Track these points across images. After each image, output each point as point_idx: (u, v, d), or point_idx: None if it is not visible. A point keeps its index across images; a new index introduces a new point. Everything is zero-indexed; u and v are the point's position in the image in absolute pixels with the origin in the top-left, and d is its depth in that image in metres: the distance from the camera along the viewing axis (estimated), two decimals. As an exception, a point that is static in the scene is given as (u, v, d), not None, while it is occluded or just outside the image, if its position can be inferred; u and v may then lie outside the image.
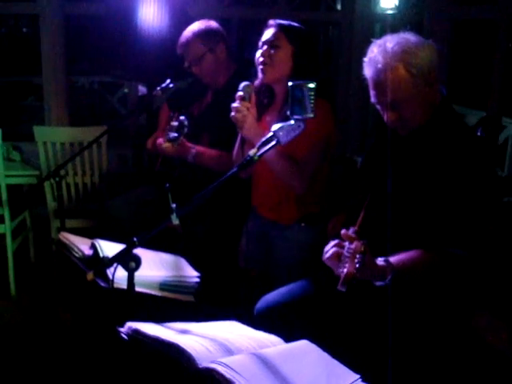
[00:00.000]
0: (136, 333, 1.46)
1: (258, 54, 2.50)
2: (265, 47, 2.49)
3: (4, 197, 3.88)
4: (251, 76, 2.75)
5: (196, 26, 3.06)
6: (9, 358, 3.19)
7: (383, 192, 2.07)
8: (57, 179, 3.00)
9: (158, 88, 2.92)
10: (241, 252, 2.74)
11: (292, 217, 2.56)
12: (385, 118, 2.02)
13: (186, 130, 2.73)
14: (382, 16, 5.21)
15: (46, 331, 3.49)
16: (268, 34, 2.50)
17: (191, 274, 2.26)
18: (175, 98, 3.23)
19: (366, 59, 1.97)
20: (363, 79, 2.03)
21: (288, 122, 1.82)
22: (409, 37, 1.92)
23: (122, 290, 1.84)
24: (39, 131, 4.00)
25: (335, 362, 1.51)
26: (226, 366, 1.27)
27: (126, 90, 6.48)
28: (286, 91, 2.28)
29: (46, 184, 4.07)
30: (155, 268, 2.20)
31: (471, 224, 1.86)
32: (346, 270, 1.68)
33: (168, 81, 2.94)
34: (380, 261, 1.79)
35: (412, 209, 1.96)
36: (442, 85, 2.03)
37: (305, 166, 2.40)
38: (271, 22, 2.52)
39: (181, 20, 3.52)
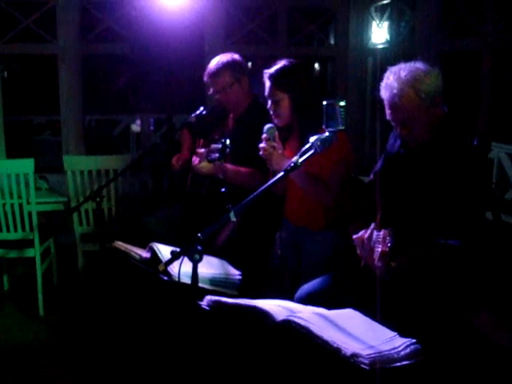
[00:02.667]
0: (216, 303, 1.79)
1: (268, 106, 2.95)
2: (269, 102, 2.94)
3: (34, 222, 4.18)
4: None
5: (225, 58, 3.37)
6: (40, 372, 3.46)
7: (396, 195, 2.44)
8: (97, 199, 3.30)
9: (193, 115, 3.25)
10: (274, 257, 3.09)
11: (320, 224, 2.93)
12: (398, 132, 2.41)
13: (227, 151, 3.06)
14: (374, 50, 5.64)
15: (73, 347, 3.75)
16: (267, 87, 2.93)
17: (234, 273, 2.59)
18: (196, 125, 3.57)
19: (382, 84, 2.37)
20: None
21: (323, 134, 2.19)
22: (419, 66, 2.32)
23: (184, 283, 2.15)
24: (68, 160, 4.33)
25: (376, 323, 1.85)
26: (300, 317, 1.61)
27: (137, 128, 6.80)
28: (297, 123, 2.88)
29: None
30: (205, 267, 2.53)
31: (467, 218, 2.21)
32: (379, 249, 2.04)
33: (201, 108, 3.28)
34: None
35: (420, 208, 2.32)
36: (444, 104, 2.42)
37: (331, 183, 2.80)
38: (265, 73, 2.92)
39: (197, 56, 3.87)
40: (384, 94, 2.37)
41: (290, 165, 2.16)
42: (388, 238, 2.04)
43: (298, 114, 2.88)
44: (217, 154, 3.10)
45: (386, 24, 5.48)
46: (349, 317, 1.82)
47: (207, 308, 1.81)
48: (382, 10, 5.52)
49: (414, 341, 1.74)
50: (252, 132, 3.25)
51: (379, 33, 5.55)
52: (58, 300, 4.55)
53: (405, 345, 1.70)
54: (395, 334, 1.80)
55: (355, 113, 5.76)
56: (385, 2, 5.38)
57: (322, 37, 6.11)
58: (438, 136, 2.37)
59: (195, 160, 3.24)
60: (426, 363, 1.71)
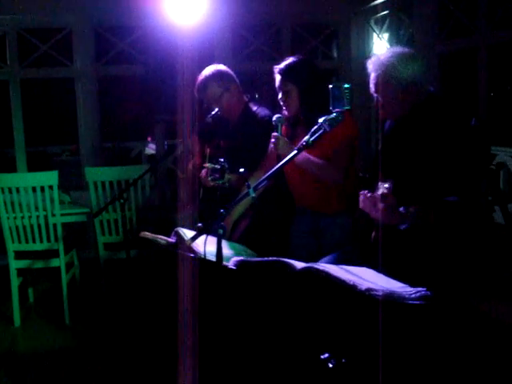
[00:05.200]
0: (242, 262, 1.98)
1: (279, 98, 3.17)
2: (280, 94, 3.17)
3: (59, 233, 4.39)
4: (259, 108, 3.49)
5: (209, 71, 3.57)
6: (66, 377, 3.63)
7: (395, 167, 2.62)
8: (121, 201, 3.51)
9: (209, 116, 3.48)
10: (290, 248, 3.28)
11: (336, 207, 3.16)
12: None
13: (227, 171, 3.24)
14: (375, 60, 5.84)
15: (98, 354, 3.92)
16: (277, 80, 3.17)
17: (253, 253, 2.77)
18: (203, 131, 3.78)
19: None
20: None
21: (331, 115, 2.39)
22: (400, 51, 2.54)
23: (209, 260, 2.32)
24: (90, 172, 4.55)
25: (389, 278, 2.01)
26: (317, 264, 1.79)
27: (149, 150, 7.03)
28: (304, 114, 3.11)
29: (96, 221, 4.59)
30: (228, 249, 2.71)
31: (460, 175, 2.39)
32: (379, 192, 2.23)
33: (216, 109, 3.50)
34: (401, 209, 2.31)
35: (416, 172, 2.49)
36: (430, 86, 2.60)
37: (338, 160, 3.03)
38: (275, 68, 3.18)
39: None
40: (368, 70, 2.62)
41: (302, 143, 2.36)
42: (387, 184, 2.23)
43: (305, 103, 3.10)
44: (217, 175, 3.29)
45: (386, 35, 5.71)
46: (364, 270, 1.99)
47: (234, 267, 1.99)
48: (381, 21, 5.76)
49: (424, 288, 1.90)
50: (246, 137, 3.48)
51: (380, 43, 5.77)
52: (83, 309, 4.72)
53: (416, 290, 1.86)
54: (406, 285, 1.96)
55: (359, 123, 5.97)
56: (383, 13, 5.63)
57: (325, 51, 6.36)
58: (419, 111, 2.54)
59: (203, 173, 3.45)
60: (434, 309, 1.87)
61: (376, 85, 2.56)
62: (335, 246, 3.02)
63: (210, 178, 3.31)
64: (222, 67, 3.63)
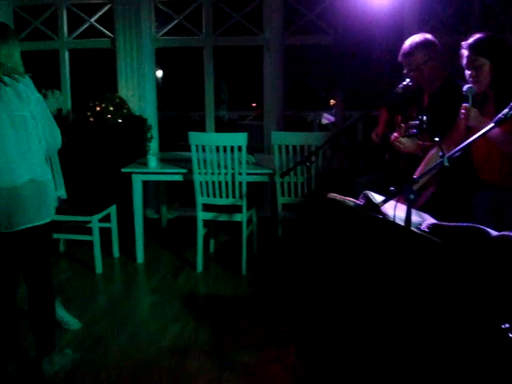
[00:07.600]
0: (435, 225, 2.11)
1: (467, 75, 3.15)
2: (468, 72, 3.14)
3: (244, 191, 4.75)
4: (462, 81, 3.39)
5: (418, 38, 3.67)
6: (239, 321, 3.93)
7: None
8: (308, 164, 3.75)
9: (400, 86, 3.58)
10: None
11: None
12: None
13: (424, 126, 3.33)
14: None
15: (273, 300, 4.26)
16: (465, 57, 3.13)
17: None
18: (393, 102, 3.88)
19: None
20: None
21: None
22: None
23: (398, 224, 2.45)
24: (276, 136, 4.84)
25: None
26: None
27: (324, 120, 7.26)
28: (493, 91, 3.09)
29: (277, 182, 4.89)
30: (415, 215, 2.80)
31: None
32: None
33: (408, 80, 3.59)
34: None
35: None
36: None
37: None
38: (463, 44, 3.13)
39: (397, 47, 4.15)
40: None
41: (500, 117, 2.40)
42: None
43: (497, 78, 3.07)
44: (415, 130, 3.39)
45: None
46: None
47: (427, 230, 2.13)
48: None
49: None
50: (446, 107, 3.51)
51: None
52: (259, 263, 5.11)
53: None
54: None
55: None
56: None
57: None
58: None
59: (395, 134, 3.56)
60: None
61: None
62: None
63: (406, 134, 3.41)
64: (430, 36, 3.72)
